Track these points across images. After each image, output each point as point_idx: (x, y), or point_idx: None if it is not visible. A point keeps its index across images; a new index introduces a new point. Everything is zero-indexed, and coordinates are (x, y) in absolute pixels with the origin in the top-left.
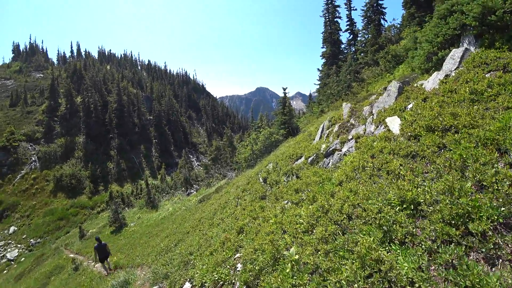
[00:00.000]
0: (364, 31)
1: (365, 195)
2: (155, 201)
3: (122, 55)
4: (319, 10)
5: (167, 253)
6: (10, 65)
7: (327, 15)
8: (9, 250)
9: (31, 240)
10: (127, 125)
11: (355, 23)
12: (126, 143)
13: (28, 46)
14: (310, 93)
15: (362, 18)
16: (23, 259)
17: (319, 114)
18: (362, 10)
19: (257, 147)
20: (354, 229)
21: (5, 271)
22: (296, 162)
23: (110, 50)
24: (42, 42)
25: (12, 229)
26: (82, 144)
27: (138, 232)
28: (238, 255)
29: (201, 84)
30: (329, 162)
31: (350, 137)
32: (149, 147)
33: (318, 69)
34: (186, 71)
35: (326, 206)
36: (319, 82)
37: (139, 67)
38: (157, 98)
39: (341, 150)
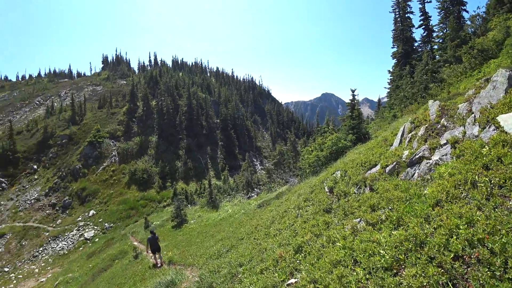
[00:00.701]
0: (441, 25)
1: (490, 226)
2: (216, 201)
3: (193, 63)
4: (388, 7)
5: (218, 258)
6: (100, 74)
7: (397, 10)
8: (87, 230)
9: (106, 224)
10: (196, 127)
11: (430, 17)
12: (194, 144)
13: (114, 58)
14: (379, 98)
15: (438, 10)
16: (97, 239)
17: (391, 119)
18: (438, 1)
19: (322, 154)
20: (478, 282)
21: (81, 248)
22: (369, 171)
23: (182, 59)
24: (126, 54)
25: (91, 212)
26: (155, 143)
27: (196, 230)
28: (292, 280)
29: (266, 89)
30: (414, 173)
31: (443, 141)
32: (215, 149)
33: (389, 71)
34: (252, 77)
35: (421, 235)
36: (389, 86)
37: (208, 74)
38: (224, 103)
39: (430, 158)
